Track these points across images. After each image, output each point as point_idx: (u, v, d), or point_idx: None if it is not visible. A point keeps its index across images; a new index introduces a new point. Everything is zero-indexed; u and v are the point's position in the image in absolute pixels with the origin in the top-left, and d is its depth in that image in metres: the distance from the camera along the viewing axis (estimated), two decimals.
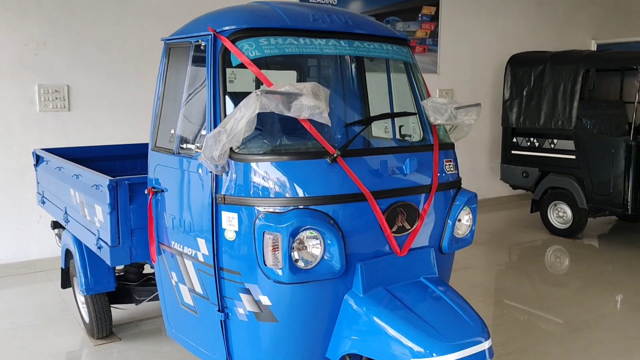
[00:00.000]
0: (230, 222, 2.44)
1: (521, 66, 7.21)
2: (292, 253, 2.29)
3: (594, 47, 9.62)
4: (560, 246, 6.61)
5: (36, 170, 4.71)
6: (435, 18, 7.92)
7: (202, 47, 2.62)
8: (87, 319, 4.09)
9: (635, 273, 5.58)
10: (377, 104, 3.47)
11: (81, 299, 4.14)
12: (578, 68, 6.51)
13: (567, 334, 4.21)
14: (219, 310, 2.57)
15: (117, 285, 3.89)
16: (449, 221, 2.73)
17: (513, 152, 7.32)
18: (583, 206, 6.52)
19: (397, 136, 3.23)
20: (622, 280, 5.38)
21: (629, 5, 9.97)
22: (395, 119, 3.24)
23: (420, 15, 7.80)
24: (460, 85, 8.32)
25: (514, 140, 7.29)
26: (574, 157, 6.55)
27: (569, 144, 6.60)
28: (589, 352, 3.90)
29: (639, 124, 6.41)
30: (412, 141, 3.11)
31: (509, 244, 6.77)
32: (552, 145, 6.83)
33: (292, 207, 2.34)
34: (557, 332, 4.25)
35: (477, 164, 8.63)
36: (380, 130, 3.40)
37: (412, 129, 3.14)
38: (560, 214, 6.90)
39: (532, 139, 7.08)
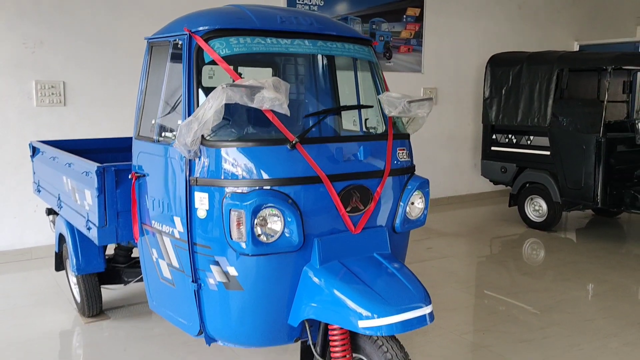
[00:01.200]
0: (201, 202, 2.73)
1: (500, 66, 7.51)
2: (254, 228, 2.58)
3: (576, 48, 9.92)
4: (536, 239, 6.90)
5: (32, 161, 5.00)
6: (419, 19, 8.22)
7: (179, 46, 2.92)
8: (78, 299, 4.39)
9: (601, 263, 5.87)
10: (347, 98, 3.76)
11: (73, 279, 4.44)
12: (552, 68, 6.80)
13: (528, 316, 4.50)
14: (192, 281, 2.86)
15: (106, 267, 4.18)
16: (401, 203, 3.01)
17: (492, 148, 7.61)
18: (557, 200, 6.81)
19: (363, 129, 3.52)
20: (588, 270, 5.67)
21: (611, 7, 10.28)
22: (363, 112, 3.52)
23: (405, 16, 8.09)
24: (444, 84, 8.61)
25: (494, 137, 7.59)
26: (548, 153, 6.84)
27: (544, 141, 6.89)
28: (545, 332, 4.18)
29: (608, 121, 6.70)
30: (376, 133, 3.40)
31: (489, 237, 7.06)
32: (529, 142, 7.12)
33: (256, 188, 2.64)
34: (520, 314, 4.54)
35: (461, 160, 8.92)
36: (349, 123, 3.69)
37: (377, 122, 3.43)
38: (536, 208, 7.19)
39: (510, 136, 7.38)
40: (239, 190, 2.65)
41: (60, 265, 4.69)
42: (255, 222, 2.58)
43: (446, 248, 6.45)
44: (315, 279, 2.71)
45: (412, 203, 3.08)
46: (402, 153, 3.06)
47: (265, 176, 2.66)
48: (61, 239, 4.47)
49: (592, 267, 5.75)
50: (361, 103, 3.56)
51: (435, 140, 8.60)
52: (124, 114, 6.13)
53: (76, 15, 5.88)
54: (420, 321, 2.56)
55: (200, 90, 2.83)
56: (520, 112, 7.17)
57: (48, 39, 5.78)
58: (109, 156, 5.07)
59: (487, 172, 7.75)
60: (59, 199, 4.30)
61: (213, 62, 2.81)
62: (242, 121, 3.12)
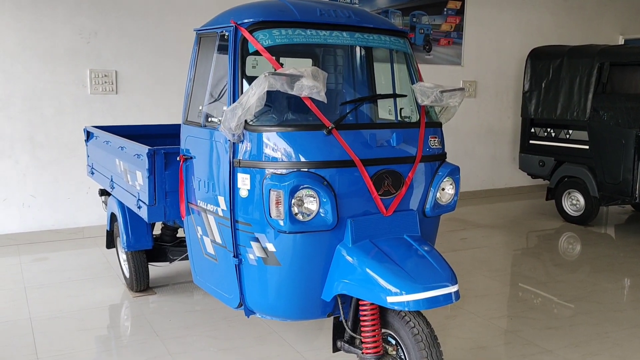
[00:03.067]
0: (244, 182, 2.95)
1: (541, 59, 7.50)
2: (292, 207, 2.78)
3: (621, 42, 9.75)
4: (573, 233, 6.90)
5: (87, 145, 5.33)
6: (460, 12, 8.26)
7: (225, 37, 3.13)
8: (127, 274, 4.69)
9: (638, 258, 5.86)
10: (383, 88, 3.92)
11: (123, 256, 4.74)
12: (593, 61, 6.77)
13: (558, 305, 4.58)
14: (234, 257, 3.08)
15: (154, 245, 4.47)
16: (432, 189, 3.16)
17: (531, 142, 7.62)
18: (595, 195, 6.80)
19: (398, 117, 3.68)
20: (623, 264, 5.68)
21: None
22: (397, 102, 3.68)
23: (445, 9, 8.15)
24: (484, 77, 8.63)
25: (532, 130, 7.60)
26: (587, 147, 6.82)
27: (583, 135, 6.88)
28: (573, 320, 4.27)
29: None
30: (410, 122, 3.55)
31: (526, 230, 7.09)
32: (568, 136, 7.11)
33: (294, 170, 2.83)
34: (549, 303, 4.62)
35: (499, 154, 8.94)
36: (385, 112, 3.85)
37: (411, 112, 3.58)
38: (574, 202, 7.19)
39: (549, 130, 7.37)
40: (278, 172, 2.84)
41: (111, 242, 5.01)
42: (292, 202, 2.77)
43: (481, 239, 6.53)
44: (348, 257, 2.88)
45: (443, 189, 3.23)
46: (434, 140, 3.20)
47: (302, 159, 2.85)
48: (113, 218, 4.77)
49: (627, 262, 5.75)
50: (396, 91, 3.71)
51: (474, 134, 8.64)
52: (171, 102, 6.45)
53: (128, 7, 6.19)
54: (446, 299, 2.71)
55: (244, 79, 3.03)
56: (559, 105, 7.16)
57: (102, 30, 6.11)
58: (157, 141, 5.34)
59: (526, 165, 7.76)
60: (111, 180, 4.60)
61: (257, 53, 3.01)
62: (282, 108, 3.32)
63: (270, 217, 2.82)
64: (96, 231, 6.24)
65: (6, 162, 5.90)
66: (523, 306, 4.53)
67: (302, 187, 2.78)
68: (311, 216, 2.82)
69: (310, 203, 2.80)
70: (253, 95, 2.74)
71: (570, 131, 7.08)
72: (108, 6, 6.10)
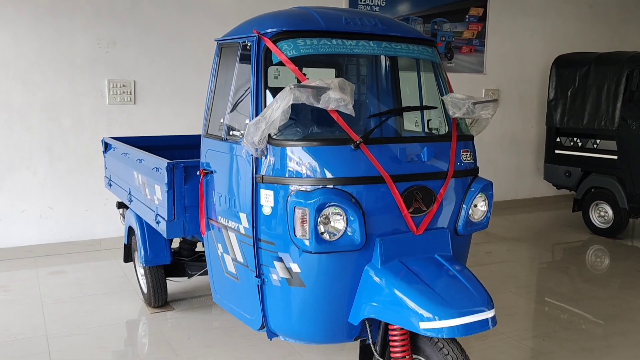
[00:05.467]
0: (267, 199, 2.82)
1: (566, 67, 7.30)
2: (318, 226, 2.64)
3: None
4: (601, 246, 6.68)
5: (104, 156, 5.25)
6: (482, 19, 8.10)
7: (248, 47, 3.01)
8: (145, 290, 4.58)
9: None
10: (409, 100, 3.78)
11: (141, 270, 4.64)
12: (622, 69, 6.57)
13: (591, 324, 4.38)
14: (256, 276, 2.95)
15: (172, 260, 4.35)
16: (464, 205, 3.01)
17: (557, 151, 7.41)
18: (624, 206, 6.57)
19: (425, 129, 3.53)
20: None
21: None
22: (425, 113, 3.53)
23: (467, 16, 7.99)
24: (507, 85, 8.45)
25: (558, 140, 7.39)
26: (616, 157, 6.61)
27: (612, 145, 6.67)
28: (609, 340, 4.06)
29: None
30: (438, 134, 3.40)
31: (552, 242, 6.88)
32: (595, 146, 6.90)
33: (319, 187, 2.69)
34: (582, 322, 4.42)
35: (523, 163, 8.73)
36: (411, 124, 3.70)
37: (439, 123, 3.43)
38: (602, 214, 6.96)
39: (575, 139, 7.17)
40: (304, 189, 2.71)
41: (128, 256, 4.90)
42: (318, 220, 2.63)
43: (506, 253, 6.34)
44: (377, 278, 2.74)
45: (475, 205, 3.07)
46: (466, 155, 3.05)
47: (329, 175, 2.71)
48: (130, 231, 4.67)
49: None
50: (424, 104, 3.57)
51: (497, 143, 8.45)
52: (190, 113, 6.36)
53: (147, 17, 6.13)
54: (482, 325, 2.55)
55: (267, 91, 2.91)
56: (586, 114, 6.96)
57: (120, 40, 6.05)
58: (176, 153, 5.26)
59: (551, 176, 7.55)
60: (129, 193, 4.50)
61: (281, 63, 2.89)
62: (307, 121, 3.19)
63: (295, 236, 2.68)
64: (114, 243, 6.15)
65: (24, 172, 5.84)
66: (555, 325, 4.34)
67: (328, 204, 2.64)
68: (338, 235, 2.68)
69: (337, 222, 2.66)
70: (277, 108, 2.61)
71: (598, 141, 6.87)
72: (126, 16, 6.04)
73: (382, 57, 3.84)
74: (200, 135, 5.25)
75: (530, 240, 6.93)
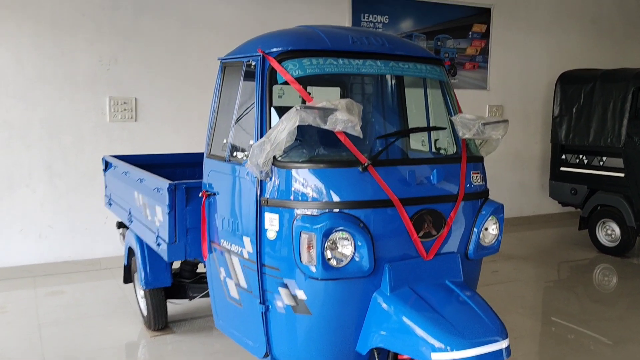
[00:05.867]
0: (271, 223, 2.73)
1: (571, 83, 7.24)
2: (325, 252, 2.55)
3: None
4: (609, 264, 6.57)
5: (105, 174, 5.17)
6: (485, 35, 8.05)
7: (252, 66, 2.94)
8: (145, 312, 4.47)
9: None
10: (415, 119, 3.70)
11: (140, 293, 4.53)
12: (628, 86, 6.50)
13: (602, 347, 4.27)
14: (260, 303, 2.85)
15: (173, 282, 4.25)
16: (474, 229, 2.92)
17: (562, 168, 7.32)
18: (632, 224, 6.47)
19: (433, 149, 3.45)
20: None
21: None
22: (431, 133, 3.46)
23: (470, 32, 7.95)
24: (511, 101, 8.38)
25: (563, 157, 7.31)
26: (622, 175, 6.52)
27: (618, 162, 6.58)
28: None
29: None
30: (446, 154, 3.32)
31: (558, 260, 6.78)
32: (601, 163, 6.81)
33: (326, 211, 2.60)
34: (592, 345, 4.31)
35: (527, 180, 8.64)
36: (417, 144, 3.62)
37: (447, 143, 3.35)
38: (609, 232, 6.86)
39: (581, 156, 7.08)
40: (310, 213, 2.62)
41: (128, 277, 4.80)
42: (325, 246, 2.54)
43: (512, 272, 6.22)
44: (385, 306, 2.64)
45: (486, 229, 2.98)
46: (476, 177, 2.96)
47: (336, 198, 2.63)
48: (130, 252, 4.57)
49: None
50: (431, 123, 3.50)
51: (501, 159, 8.35)
52: (191, 130, 6.29)
53: (148, 35, 6.08)
54: (496, 356, 2.46)
55: (272, 110, 2.83)
56: (592, 131, 6.88)
57: (122, 57, 5.99)
58: (177, 171, 5.20)
59: (556, 193, 7.45)
60: (129, 213, 4.41)
61: (286, 83, 2.81)
62: (312, 142, 3.11)
63: (301, 262, 2.59)
64: (113, 262, 6.04)
65: (24, 191, 5.76)
66: (566, 348, 4.22)
67: (336, 229, 2.55)
68: (345, 261, 2.59)
69: (345, 247, 2.57)
70: (283, 130, 2.53)
71: (604, 158, 6.78)
72: (128, 33, 5.99)
73: (388, 76, 3.77)
74: (201, 153, 5.19)
75: (537, 258, 6.82)
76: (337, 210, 2.62)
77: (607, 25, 9.08)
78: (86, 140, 5.93)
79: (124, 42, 5.98)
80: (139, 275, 4.22)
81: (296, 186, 2.67)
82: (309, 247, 2.54)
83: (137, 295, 4.69)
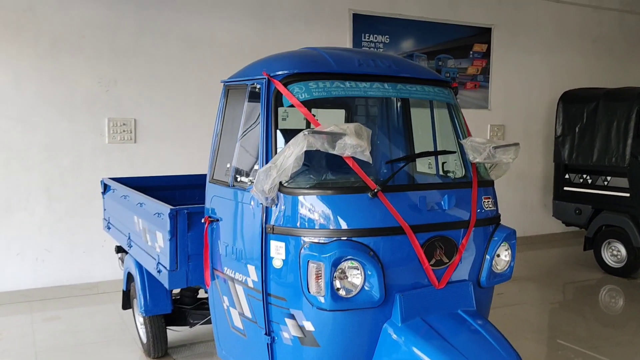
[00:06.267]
0: (278, 251, 2.63)
1: (574, 103, 7.20)
2: (334, 282, 2.45)
3: None
4: (615, 285, 6.47)
5: (103, 197, 5.07)
6: (486, 55, 8.04)
7: (257, 90, 2.87)
8: (144, 339, 4.35)
9: None
10: (421, 142, 3.63)
11: (140, 319, 4.41)
12: (632, 105, 6.46)
13: None
14: (266, 334, 2.75)
15: (173, 308, 4.13)
16: (487, 256, 2.83)
17: (565, 188, 7.25)
18: (638, 245, 6.38)
19: (440, 172, 3.37)
20: None
21: None
22: (439, 156, 3.38)
23: (471, 52, 7.93)
24: (512, 121, 8.34)
25: (567, 176, 7.24)
26: (628, 194, 6.45)
27: (623, 182, 6.51)
28: None
29: None
30: (454, 178, 3.24)
31: (562, 281, 6.68)
32: (606, 183, 6.74)
33: (335, 238, 2.51)
34: None
35: (530, 200, 8.57)
36: (424, 166, 3.55)
37: (455, 166, 3.27)
38: (615, 253, 6.77)
39: (584, 176, 7.02)
40: (318, 241, 2.53)
41: (127, 303, 4.68)
42: (334, 275, 2.45)
43: (518, 294, 6.11)
44: (397, 338, 2.54)
45: (498, 255, 2.89)
46: (488, 202, 2.89)
47: (345, 226, 2.54)
48: (129, 278, 4.46)
49: None
50: (439, 146, 3.42)
51: (503, 179, 8.18)
52: (191, 151, 6.22)
53: (148, 56, 6.03)
54: None
55: (278, 134, 2.76)
56: (596, 151, 6.82)
57: (121, 78, 5.93)
58: (177, 193, 5.11)
59: (560, 213, 7.37)
60: (129, 238, 4.31)
61: (292, 106, 2.74)
62: (319, 166, 3.02)
63: (309, 292, 2.50)
64: (111, 286, 5.93)
65: (21, 214, 5.66)
66: None
67: (345, 258, 2.46)
68: (355, 291, 2.49)
69: (355, 277, 2.48)
70: (290, 155, 2.45)
71: (609, 178, 6.71)
72: (128, 54, 5.94)
73: (393, 98, 3.70)
74: (202, 175, 5.11)
75: (542, 280, 6.72)
76: (345, 238, 2.53)
77: (607, 45, 9.08)
78: (85, 162, 5.84)
79: (123, 63, 5.93)
80: (138, 302, 4.11)
81: (303, 213, 2.59)
82: (317, 277, 2.45)
83: (136, 322, 4.57)
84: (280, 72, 2.79)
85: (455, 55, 7.82)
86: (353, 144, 2.45)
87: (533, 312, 5.59)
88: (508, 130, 8.31)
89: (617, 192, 6.60)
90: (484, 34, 7.96)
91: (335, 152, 2.48)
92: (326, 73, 2.81)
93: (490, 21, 7.99)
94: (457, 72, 7.84)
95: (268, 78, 2.79)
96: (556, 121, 7.40)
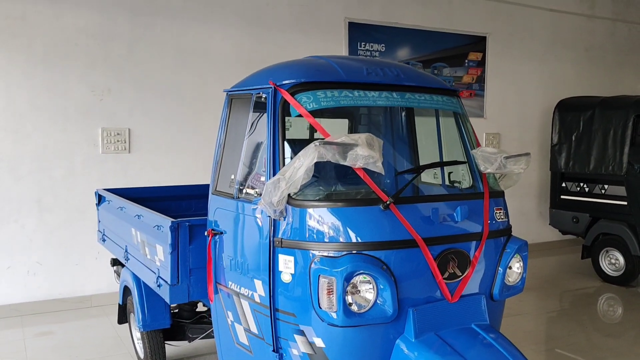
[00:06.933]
0: (286, 265, 2.55)
1: (570, 111, 7.20)
2: (346, 297, 2.37)
3: None
4: (613, 294, 6.44)
5: (98, 209, 4.96)
6: (481, 63, 8.03)
7: (262, 99, 2.79)
8: (141, 355, 4.23)
9: None
10: (427, 152, 3.57)
11: (137, 334, 4.29)
12: (628, 113, 6.46)
13: None
14: (273, 351, 2.66)
15: (171, 323, 4.02)
16: (499, 269, 2.77)
17: (562, 197, 7.24)
18: (636, 253, 6.37)
19: (447, 182, 3.31)
20: None
21: None
22: (447, 166, 3.32)
23: (466, 61, 7.92)
24: (508, 129, 8.34)
25: (563, 185, 7.23)
26: (625, 203, 6.44)
27: (621, 190, 6.50)
28: None
29: None
30: (461, 188, 3.18)
31: (560, 290, 6.64)
32: (603, 191, 6.73)
33: (346, 252, 2.44)
34: None
35: (526, 208, 8.55)
36: (429, 177, 3.49)
37: (462, 176, 3.21)
38: (613, 261, 6.75)
39: (582, 184, 7.00)
40: (328, 254, 2.45)
41: (123, 318, 4.56)
42: (347, 290, 2.37)
43: (518, 304, 6.05)
44: (410, 354, 2.47)
45: (510, 267, 2.83)
46: (500, 213, 2.83)
47: (356, 239, 2.46)
48: (126, 291, 4.35)
49: None
50: (444, 155, 3.36)
51: None
52: (186, 161, 6.13)
53: (143, 65, 5.93)
54: None
55: (285, 145, 2.68)
56: (592, 159, 6.82)
57: (115, 87, 5.84)
58: (172, 204, 5.01)
59: (557, 221, 7.35)
60: (126, 250, 4.20)
61: (299, 116, 2.67)
62: (329, 178, 2.95)
63: (320, 307, 2.41)
64: (105, 299, 5.80)
65: (12, 226, 5.52)
66: None
67: (357, 272, 2.38)
68: (367, 307, 2.42)
69: (367, 292, 2.40)
70: (300, 167, 2.38)
71: (606, 186, 6.70)
72: (122, 63, 5.84)
73: (398, 107, 3.64)
74: (198, 185, 5.02)
75: (542, 289, 6.67)
76: (356, 251, 2.45)
77: (599, 54, 9.13)
78: (77, 173, 5.73)
79: (117, 72, 5.83)
80: (135, 317, 3.99)
81: (313, 226, 2.51)
82: (328, 292, 2.37)
83: (133, 337, 4.45)
84: (287, 81, 2.72)
85: (451, 64, 7.80)
86: (365, 154, 2.38)
87: (536, 322, 5.53)
88: (503, 138, 8.30)
89: (615, 201, 6.59)
90: (479, 43, 7.96)
91: (346, 164, 2.41)
92: (334, 82, 2.75)
93: (485, 30, 7.99)
94: (452, 80, 7.82)
95: (275, 87, 2.72)
96: (552, 130, 7.39)
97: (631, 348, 4.80)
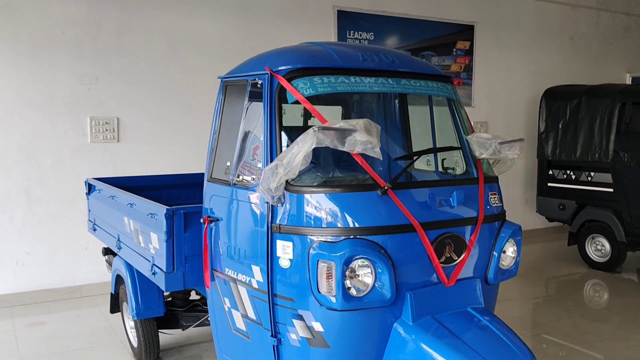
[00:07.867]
0: (284, 251, 2.57)
1: (556, 99, 7.27)
2: (345, 281, 2.40)
3: (628, 81, 9.63)
4: (599, 280, 6.55)
5: (88, 198, 4.92)
6: (469, 52, 8.07)
7: (258, 85, 2.79)
8: (135, 344, 4.23)
9: None
10: (420, 138, 3.59)
11: (130, 323, 4.29)
12: (614, 101, 6.54)
13: None
14: (272, 336, 2.68)
15: (165, 311, 4.02)
16: (494, 253, 2.81)
17: (549, 184, 7.32)
18: (622, 240, 6.47)
19: (440, 169, 3.34)
20: None
21: None
22: (441, 152, 3.34)
23: (454, 49, 7.95)
24: (495, 117, 8.40)
25: (550, 172, 7.31)
26: (611, 190, 6.53)
27: (607, 177, 6.59)
28: None
29: None
30: (455, 174, 3.21)
31: (547, 276, 6.74)
32: (589, 178, 6.82)
33: (344, 237, 2.46)
34: None
35: (512, 196, 8.63)
36: (422, 163, 3.51)
37: (455, 162, 3.24)
38: (599, 247, 6.85)
39: (568, 172, 7.09)
40: (326, 239, 2.47)
41: (115, 307, 4.55)
42: (345, 274, 2.39)
43: (506, 290, 6.13)
44: (407, 337, 2.50)
45: (504, 251, 2.87)
46: (494, 198, 2.86)
47: (354, 224, 2.48)
48: (118, 280, 4.34)
49: None
50: (437, 141, 3.39)
51: None
52: (176, 151, 6.10)
53: (131, 53, 5.88)
54: None
55: (281, 132, 2.69)
56: (579, 147, 6.90)
57: (103, 76, 5.78)
58: (163, 193, 4.99)
59: (544, 209, 7.44)
60: (118, 239, 4.18)
61: (296, 102, 2.67)
62: (327, 163, 2.96)
63: (319, 292, 2.43)
64: (95, 289, 5.77)
65: (0, 217, 5.46)
66: None
67: (356, 257, 2.40)
68: (366, 291, 2.44)
69: (366, 276, 2.42)
70: (298, 152, 2.38)
71: (592, 173, 6.79)
72: (110, 51, 5.78)
73: (391, 93, 3.66)
74: (188, 174, 5.00)
75: (528, 275, 6.76)
76: (354, 236, 2.47)
77: (583, 42, 9.22)
78: (66, 163, 5.68)
79: (105, 61, 5.77)
80: (129, 305, 3.99)
81: (311, 211, 2.52)
82: (327, 277, 2.39)
83: (126, 326, 4.45)
84: (283, 67, 2.72)
85: (439, 53, 7.83)
86: (363, 140, 2.40)
87: (524, 308, 5.61)
88: (491, 126, 8.36)
89: (601, 188, 6.68)
90: (466, 32, 8.00)
91: (344, 149, 2.42)
92: (331, 68, 2.75)
93: (473, 18, 8.02)
94: (440, 69, 7.84)
95: (271, 73, 2.72)
96: (539, 118, 7.46)
97: (616, 333, 4.89)
